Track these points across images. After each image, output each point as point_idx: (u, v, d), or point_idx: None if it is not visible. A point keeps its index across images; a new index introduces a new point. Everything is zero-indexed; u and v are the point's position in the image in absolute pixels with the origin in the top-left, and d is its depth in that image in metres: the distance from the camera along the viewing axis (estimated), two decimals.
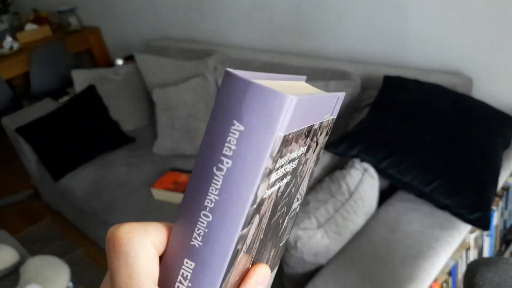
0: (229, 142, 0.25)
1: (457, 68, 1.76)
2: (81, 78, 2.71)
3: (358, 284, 1.17)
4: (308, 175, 0.37)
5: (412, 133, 1.39)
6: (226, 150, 0.25)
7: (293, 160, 0.30)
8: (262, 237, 0.31)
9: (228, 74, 0.25)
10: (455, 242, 1.29)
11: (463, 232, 1.32)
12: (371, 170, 1.36)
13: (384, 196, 1.46)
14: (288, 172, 0.30)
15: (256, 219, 0.28)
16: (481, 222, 1.28)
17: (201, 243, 0.27)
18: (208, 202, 0.26)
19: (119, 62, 2.96)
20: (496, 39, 1.62)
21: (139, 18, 3.19)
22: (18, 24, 4.34)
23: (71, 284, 1.61)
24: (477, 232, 1.43)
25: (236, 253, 0.27)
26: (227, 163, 0.25)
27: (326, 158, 1.52)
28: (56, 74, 3.48)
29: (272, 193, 0.29)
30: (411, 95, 1.51)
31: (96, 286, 2.22)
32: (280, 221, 0.34)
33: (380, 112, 1.51)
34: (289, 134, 0.26)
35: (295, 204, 0.37)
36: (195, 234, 0.27)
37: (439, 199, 1.31)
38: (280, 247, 0.38)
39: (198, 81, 2.32)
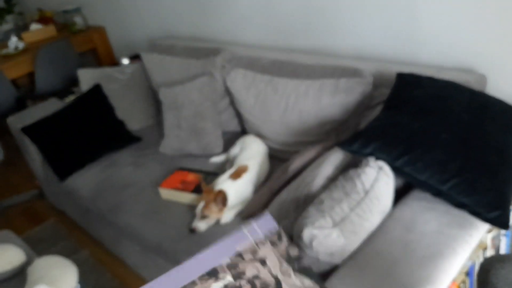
0: None
1: (470, 65, 1.73)
2: (86, 77, 2.69)
3: (375, 285, 1.14)
4: (291, 274, 0.49)
5: (427, 130, 1.36)
6: None
7: None
8: None
9: None
10: (474, 242, 1.25)
11: (481, 231, 1.29)
12: (386, 169, 1.33)
13: (399, 195, 1.43)
14: None
15: None
16: (500, 221, 1.25)
17: None
18: None
19: (125, 61, 2.94)
20: (510, 35, 1.59)
21: (144, 17, 3.17)
22: (23, 24, 4.33)
23: (78, 286, 1.58)
24: (494, 231, 1.40)
25: None
26: None
27: (339, 156, 1.50)
28: (60, 73, 3.46)
29: None
30: (426, 92, 1.48)
31: None
32: None
33: (395, 109, 1.48)
34: None
35: None
36: None
37: (456, 198, 1.28)
38: None
39: (205, 79, 2.30)
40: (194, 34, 2.85)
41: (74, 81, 3.25)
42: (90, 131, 2.48)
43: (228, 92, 2.32)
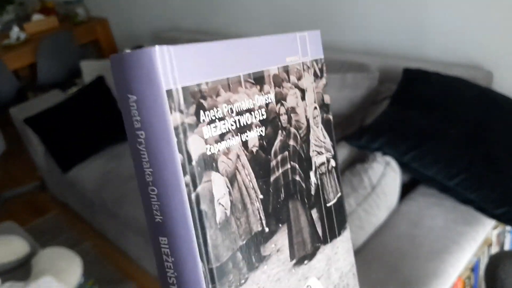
0: (134, 116, 0.26)
1: (477, 61, 1.73)
2: (89, 69, 2.68)
3: (382, 279, 1.14)
4: (319, 124, 0.37)
5: (435, 126, 1.37)
6: (136, 124, 0.26)
7: (248, 110, 0.31)
8: (262, 197, 0.31)
9: (111, 57, 0.26)
10: (480, 238, 1.26)
11: (487, 227, 1.30)
12: (393, 164, 1.33)
13: (405, 191, 1.43)
14: (249, 124, 0.31)
15: (216, 177, 0.28)
16: (507, 218, 1.25)
17: (161, 217, 0.28)
18: (148, 177, 0.27)
19: None
20: None
21: (147, 8, 3.16)
22: (24, 14, 4.31)
23: (82, 279, 1.59)
24: (500, 228, 1.41)
25: (202, 214, 0.27)
26: (142, 134, 0.26)
27: (345, 151, 1.50)
28: (62, 65, 3.45)
29: (229, 148, 0.29)
30: (433, 88, 1.48)
31: (104, 280, 2.20)
32: (297, 178, 0.35)
33: (402, 104, 1.48)
34: (198, 84, 0.27)
35: (320, 158, 0.37)
36: (154, 212, 0.28)
37: (463, 194, 1.29)
38: (332, 207, 0.39)
39: None
40: (199, 27, 2.84)
41: (76, 73, 3.24)
42: (93, 122, 2.48)
43: None
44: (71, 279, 1.51)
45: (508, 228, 1.45)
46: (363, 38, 2.05)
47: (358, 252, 1.24)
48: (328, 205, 0.38)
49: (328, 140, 0.39)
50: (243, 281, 0.30)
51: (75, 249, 2.36)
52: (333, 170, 0.39)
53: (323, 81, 0.39)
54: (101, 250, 2.39)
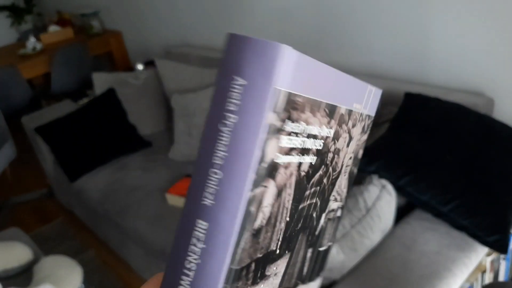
0: (232, 98, 0.25)
1: (479, 88, 1.75)
2: (101, 81, 2.74)
3: None
4: (346, 173, 0.38)
5: (432, 151, 1.39)
6: (229, 106, 0.26)
7: (313, 136, 0.31)
8: (288, 219, 0.32)
9: (230, 36, 0.26)
10: (472, 264, 1.27)
11: (480, 254, 1.30)
12: (389, 187, 1.35)
13: (401, 214, 1.45)
14: (310, 149, 0.32)
15: (271, 185, 0.28)
16: (499, 245, 1.26)
17: (213, 202, 0.27)
18: (216, 160, 0.26)
19: (140, 66, 2.99)
20: None
21: (161, 24, 3.23)
22: (42, 25, 4.42)
23: (82, 286, 1.62)
24: (494, 255, 1.41)
25: (248, 215, 0.27)
26: (234, 118, 0.26)
27: None
28: (76, 75, 3.53)
29: (289, 163, 0.30)
30: (433, 113, 1.50)
31: None
32: (314, 215, 0.35)
33: (401, 128, 1.51)
34: (297, 94, 0.27)
35: (334, 204, 0.38)
36: (205, 193, 0.27)
37: (457, 220, 1.30)
38: (321, 253, 0.40)
39: None
40: (209, 43, 2.90)
41: (88, 84, 3.31)
42: (102, 134, 2.53)
43: None
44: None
45: (502, 255, 1.46)
46: (367, 60, 2.08)
47: (350, 274, 1.26)
48: (320, 249, 0.39)
49: (345, 191, 0.40)
50: None
51: (78, 257, 2.41)
52: (336, 220, 0.41)
53: (365, 137, 0.41)
54: (104, 259, 2.42)
